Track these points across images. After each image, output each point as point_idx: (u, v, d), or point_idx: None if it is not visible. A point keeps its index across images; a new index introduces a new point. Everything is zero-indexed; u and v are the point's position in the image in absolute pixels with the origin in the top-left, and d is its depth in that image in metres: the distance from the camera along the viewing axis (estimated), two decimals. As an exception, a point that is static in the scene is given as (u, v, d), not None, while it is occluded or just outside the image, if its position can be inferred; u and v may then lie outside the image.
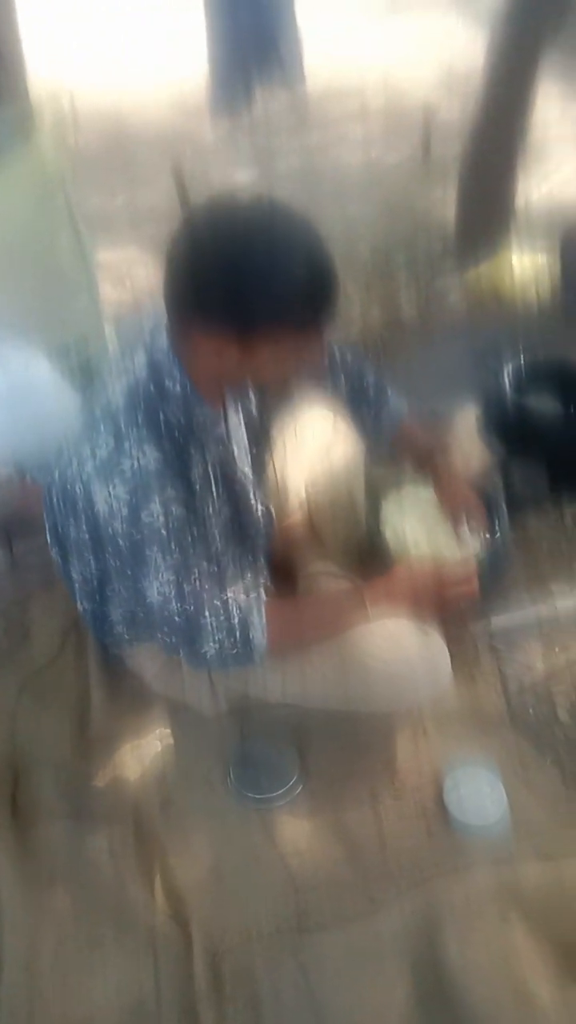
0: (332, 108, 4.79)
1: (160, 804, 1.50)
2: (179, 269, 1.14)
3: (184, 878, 1.39)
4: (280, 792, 1.50)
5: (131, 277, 3.25)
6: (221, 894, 1.37)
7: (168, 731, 1.62)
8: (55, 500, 1.32)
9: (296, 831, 1.45)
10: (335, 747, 1.56)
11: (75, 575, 1.41)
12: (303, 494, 1.82)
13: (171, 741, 1.60)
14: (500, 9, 2.71)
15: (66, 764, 1.54)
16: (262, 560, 1.60)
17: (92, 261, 2.33)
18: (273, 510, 1.65)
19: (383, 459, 1.87)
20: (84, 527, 1.26)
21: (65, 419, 1.52)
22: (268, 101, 4.84)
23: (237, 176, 4.08)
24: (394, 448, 1.75)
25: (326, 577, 1.70)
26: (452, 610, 1.52)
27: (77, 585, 1.43)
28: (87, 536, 1.27)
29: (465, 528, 1.66)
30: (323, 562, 1.75)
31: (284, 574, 1.71)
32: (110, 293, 3.09)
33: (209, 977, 1.25)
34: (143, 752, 1.59)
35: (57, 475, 1.28)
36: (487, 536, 1.68)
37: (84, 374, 2.29)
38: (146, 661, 1.59)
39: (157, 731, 1.62)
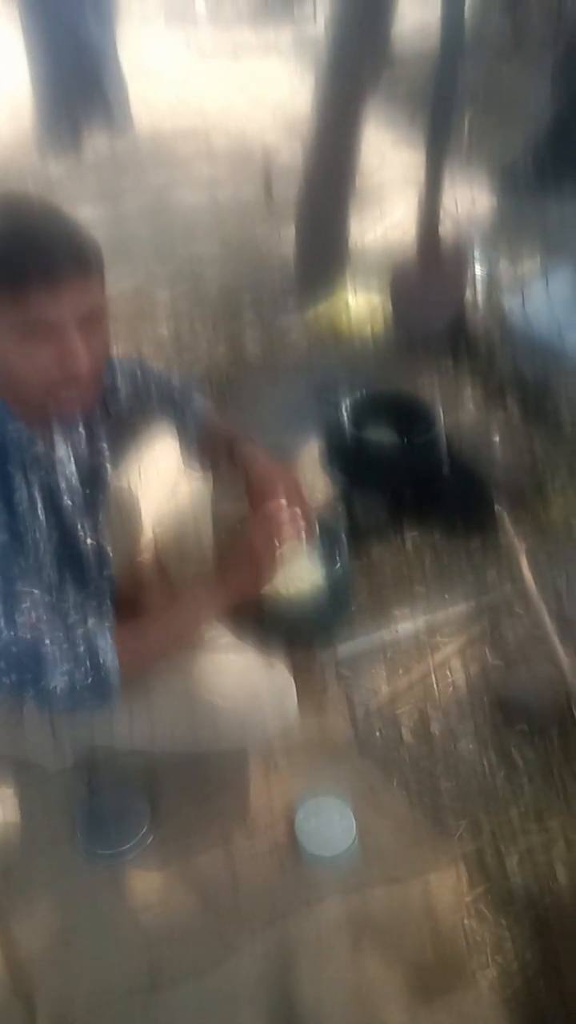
0: (178, 148, 4.86)
1: (1, 872, 1.42)
2: None
3: (28, 948, 1.32)
4: (130, 845, 1.45)
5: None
6: (69, 961, 1.30)
7: (9, 792, 1.54)
8: None
9: (148, 884, 1.41)
10: (186, 791, 1.54)
11: None
12: (150, 534, 1.80)
13: (12, 803, 1.52)
14: (323, 58, 2.85)
15: None
16: (107, 603, 1.56)
17: None
18: (110, 549, 1.62)
19: (230, 496, 1.88)
20: None
21: None
22: (113, 140, 4.84)
23: (82, 213, 4.04)
24: (203, 444, 1.74)
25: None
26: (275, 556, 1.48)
27: None
28: None
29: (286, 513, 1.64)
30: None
31: (133, 616, 1.67)
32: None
33: (56, 1052, 1.18)
34: (-18, 817, 1.50)
35: None
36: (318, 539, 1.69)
37: None
38: (-19, 718, 1.50)
39: (-2, 793, 1.54)
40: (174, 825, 1.49)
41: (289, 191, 3.32)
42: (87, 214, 4.01)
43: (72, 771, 1.53)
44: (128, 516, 1.76)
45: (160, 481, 1.79)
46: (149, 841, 1.46)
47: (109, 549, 1.57)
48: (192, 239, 3.76)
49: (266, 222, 3.81)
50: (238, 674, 1.43)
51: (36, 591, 1.23)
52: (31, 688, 1.24)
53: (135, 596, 1.69)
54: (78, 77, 4.66)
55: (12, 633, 1.18)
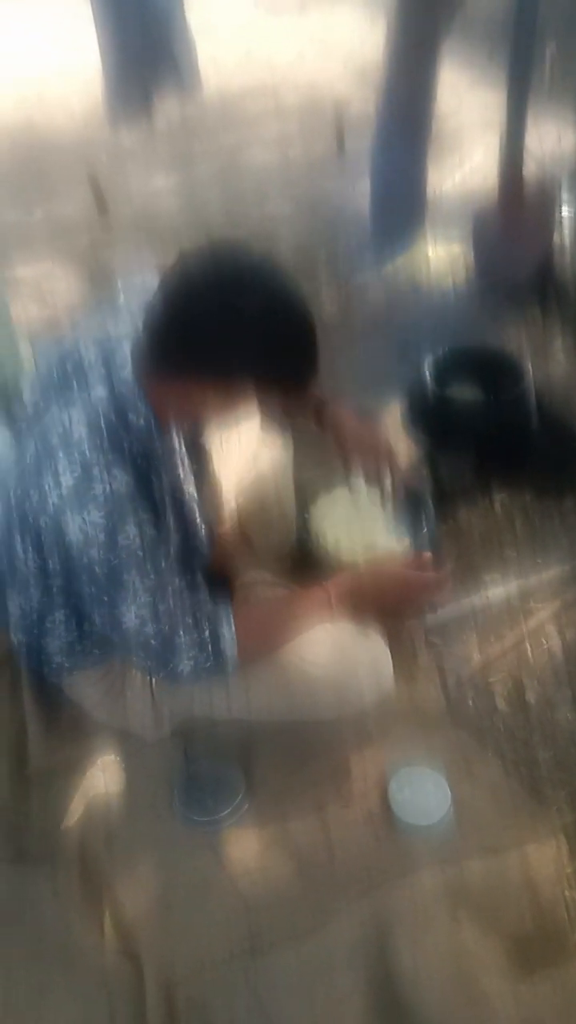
0: (247, 108, 4.77)
1: (105, 837, 1.47)
2: (170, 321, 1.15)
3: (133, 911, 1.36)
4: (227, 812, 1.48)
5: (51, 292, 3.20)
6: (172, 924, 1.34)
7: (110, 759, 1.59)
8: None
9: (245, 850, 1.43)
10: (281, 759, 1.55)
11: (12, 608, 1.39)
12: (233, 503, 1.80)
13: (114, 770, 1.57)
14: (395, 1, 2.72)
15: (4, 804, 1.51)
16: (200, 575, 1.58)
17: None
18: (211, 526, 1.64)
19: (311, 463, 1.86)
20: (47, 559, 1.24)
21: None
22: (183, 104, 4.79)
23: (154, 181, 4.03)
24: (287, 407, 1.73)
25: (261, 585, 1.68)
26: (417, 611, 1.51)
27: (14, 619, 1.41)
28: (43, 568, 1.27)
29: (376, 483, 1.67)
30: (256, 571, 1.74)
31: (219, 584, 1.69)
32: (30, 309, 3.04)
33: (163, 1012, 1.23)
34: (85, 784, 1.55)
35: (2, 509, 1.28)
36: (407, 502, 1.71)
37: (1, 396, 2.24)
38: (86, 688, 1.55)
39: (99, 761, 1.59)
40: (269, 793, 1.50)
41: (362, 143, 3.22)
42: (160, 183, 4.00)
43: (170, 740, 1.57)
44: (212, 487, 1.77)
45: (241, 451, 1.78)
46: (245, 808, 1.48)
47: (211, 527, 1.60)
48: (265, 199, 3.70)
49: (339, 176, 3.71)
50: (333, 643, 1.44)
51: (177, 581, 1.28)
52: (161, 670, 1.32)
53: (221, 565, 1.71)
54: (146, 41, 4.60)
55: (155, 626, 1.24)
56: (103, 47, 4.72)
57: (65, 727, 1.61)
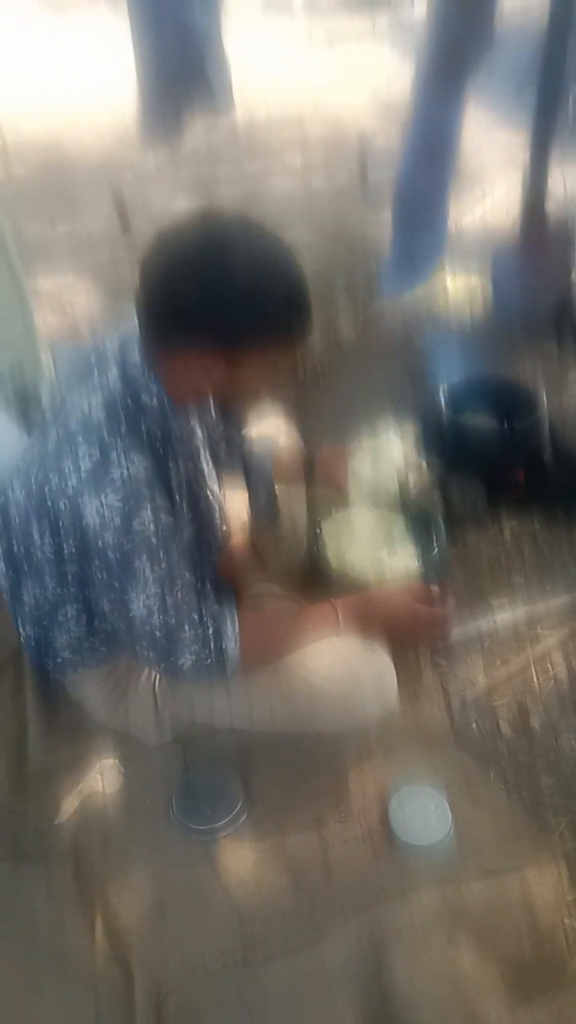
0: (272, 137, 4.87)
1: (101, 841, 1.45)
2: (158, 290, 1.13)
3: (126, 917, 1.34)
4: (224, 821, 1.46)
5: (71, 304, 3.24)
6: (165, 932, 1.32)
7: (110, 763, 1.57)
8: (14, 521, 1.30)
9: (241, 861, 1.42)
10: (280, 772, 1.54)
11: (27, 598, 1.38)
12: (245, 516, 1.81)
13: (113, 773, 1.56)
14: (425, 40, 2.78)
15: (1, 801, 1.49)
16: (209, 575, 1.59)
17: (25, 288, 2.31)
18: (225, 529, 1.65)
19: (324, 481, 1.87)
20: (63, 543, 1.23)
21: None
22: (209, 131, 4.88)
23: (178, 203, 4.10)
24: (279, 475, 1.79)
25: (269, 597, 1.69)
26: (421, 644, 1.50)
27: (27, 609, 1.39)
28: (59, 553, 1.25)
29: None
30: (265, 583, 1.74)
31: (227, 593, 1.69)
32: (50, 320, 3.07)
33: (152, 1019, 1.20)
34: (83, 786, 1.54)
35: (23, 495, 1.26)
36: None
37: (20, 401, 2.26)
38: (89, 688, 1.55)
39: (98, 763, 1.57)
40: (268, 805, 1.49)
41: (384, 175, 3.27)
42: (184, 205, 4.07)
43: (170, 746, 1.56)
44: (227, 496, 1.78)
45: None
46: (243, 819, 1.47)
47: (225, 529, 1.60)
48: (287, 226, 3.74)
49: (361, 207, 3.77)
50: (339, 657, 1.44)
51: (187, 575, 1.28)
52: (163, 663, 1.31)
53: (230, 575, 1.71)
54: (182, 59, 4.67)
55: (162, 618, 1.24)
56: (140, 63, 4.79)
57: (66, 727, 1.60)
